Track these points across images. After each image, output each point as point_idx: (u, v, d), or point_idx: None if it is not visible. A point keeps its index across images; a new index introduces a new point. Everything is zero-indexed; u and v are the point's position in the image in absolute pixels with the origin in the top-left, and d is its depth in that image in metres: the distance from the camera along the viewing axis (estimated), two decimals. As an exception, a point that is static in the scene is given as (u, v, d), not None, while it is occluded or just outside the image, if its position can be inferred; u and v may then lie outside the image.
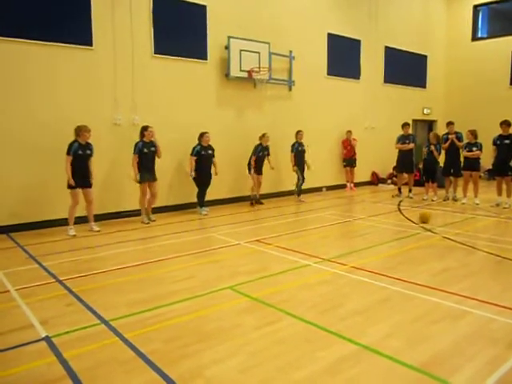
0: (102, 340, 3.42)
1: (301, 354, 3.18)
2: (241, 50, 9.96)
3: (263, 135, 10.02)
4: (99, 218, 7.97)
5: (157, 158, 8.17)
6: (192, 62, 9.44)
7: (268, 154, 10.19)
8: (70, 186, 7.12)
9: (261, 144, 9.98)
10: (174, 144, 9.11)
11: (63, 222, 7.50)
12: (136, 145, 7.95)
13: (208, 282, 4.81)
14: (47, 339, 3.42)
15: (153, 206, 8.37)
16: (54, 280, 4.90)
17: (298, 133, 10.62)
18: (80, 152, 7.17)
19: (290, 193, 11.05)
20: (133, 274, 5.14)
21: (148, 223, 8.05)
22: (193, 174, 8.73)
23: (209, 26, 9.61)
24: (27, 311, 4.00)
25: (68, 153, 7.09)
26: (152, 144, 8.06)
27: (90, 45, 8.02)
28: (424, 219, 7.84)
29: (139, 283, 4.85)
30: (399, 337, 3.43)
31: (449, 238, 6.70)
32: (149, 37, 8.76)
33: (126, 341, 3.39)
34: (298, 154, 10.55)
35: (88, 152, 7.30)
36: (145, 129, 8.02)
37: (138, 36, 8.63)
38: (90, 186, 7.37)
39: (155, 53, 8.86)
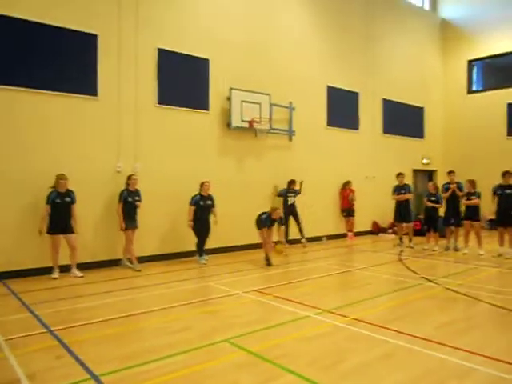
0: (90, 396, 3.26)
1: (299, 413, 3.02)
2: (242, 101, 10.22)
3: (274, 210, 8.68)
4: (101, 265, 8.08)
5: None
6: (194, 112, 9.66)
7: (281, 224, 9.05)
8: (48, 232, 7.32)
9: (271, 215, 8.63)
10: (175, 193, 9.13)
11: (61, 269, 7.40)
12: (121, 194, 8.08)
13: (204, 334, 4.66)
14: (33, 395, 3.27)
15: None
16: (45, 330, 4.74)
17: (292, 182, 10.91)
18: (58, 200, 7.35)
19: (289, 241, 10.93)
20: (127, 325, 4.99)
21: (139, 270, 7.93)
22: (191, 223, 8.69)
23: (211, 78, 9.91)
24: (15, 364, 3.84)
25: (46, 202, 7.32)
26: (137, 193, 8.18)
27: (96, 95, 8.26)
28: (279, 252, 8.80)
29: (133, 334, 4.70)
30: (403, 396, 3.27)
31: (451, 289, 6.55)
32: (152, 88, 9.02)
33: (115, 397, 3.23)
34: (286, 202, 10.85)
35: (68, 200, 7.44)
36: (129, 177, 8.17)
37: (143, 87, 8.87)
38: (72, 232, 7.45)
39: (159, 103, 9.09)
